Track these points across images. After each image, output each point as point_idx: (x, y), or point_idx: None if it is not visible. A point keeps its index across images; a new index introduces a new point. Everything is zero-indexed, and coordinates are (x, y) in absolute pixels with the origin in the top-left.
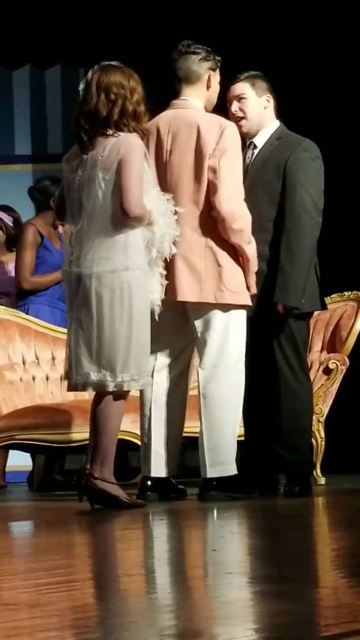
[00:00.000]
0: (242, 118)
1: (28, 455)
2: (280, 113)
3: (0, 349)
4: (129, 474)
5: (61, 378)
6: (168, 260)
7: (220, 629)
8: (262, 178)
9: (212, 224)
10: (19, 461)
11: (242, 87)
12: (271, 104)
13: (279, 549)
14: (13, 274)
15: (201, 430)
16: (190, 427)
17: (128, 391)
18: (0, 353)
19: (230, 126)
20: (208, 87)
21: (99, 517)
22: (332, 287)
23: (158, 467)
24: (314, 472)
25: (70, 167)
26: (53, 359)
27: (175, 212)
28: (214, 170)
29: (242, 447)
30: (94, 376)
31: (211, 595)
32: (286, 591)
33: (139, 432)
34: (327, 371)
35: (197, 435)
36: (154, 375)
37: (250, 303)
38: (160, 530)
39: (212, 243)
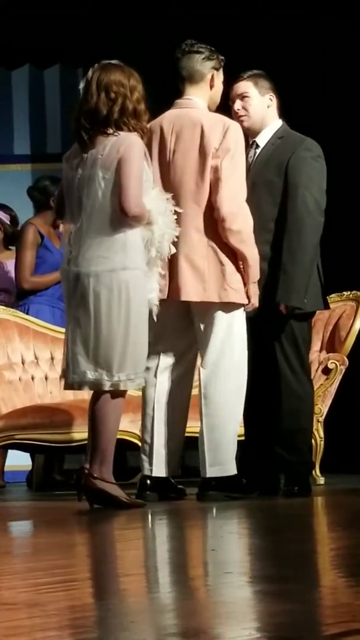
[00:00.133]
0: (245, 116)
1: (27, 455)
2: (282, 112)
3: None
4: (127, 474)
5: (60, 378)
6: (167, 260)
7: (220, 629)
8: (264, 177)
9: (214, 223)
10: (18, 461)
11: (245, 86)
12: (274, 102)
13: (278, 548)
14: (11, 271)
15: (201, 429)
16: (191, 426)
17: (125, 390)
18: None
19: (234, 126)
20: (211, 86)
21: (98, 516)
22: (331, 287)
23: (159, 466)
24: (313, 472)
25: (70, 166)
26: (52, 358)
27: (175, 212)
28: (216, 170)
29: (242, 447)
30: (90, 375)
31: (210, 595)
32: (285, 591)
33: (137, 432)
34: (326, 371)
35: (197, 435)
36: (157, 375)
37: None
38: (160, 530)
39: (214, 242)
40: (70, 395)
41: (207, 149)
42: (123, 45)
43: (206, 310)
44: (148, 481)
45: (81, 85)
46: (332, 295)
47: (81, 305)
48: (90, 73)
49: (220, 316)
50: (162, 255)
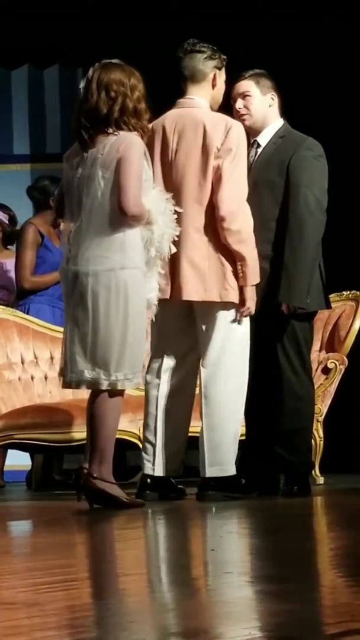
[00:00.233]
0: (246, 115)
1: (27, 454)
2: (283, 112)
3: None
4: (127, 473)
5: (58, 376)
6: (168, 260)
7: (220, 629)
8: (266, 177)
9: (216, 223)
10: (18, 461)
11: (246, 85)
12: (275, 102)
13: (278, 548)
14: (10, 271)
15: (202, 429)
16: (191, 426)
17: (123, 390)
18: None
19: (237, 125)
20: (214, 85)
21: (97, 516)
22: (331, 287)
23: (161, 466)
24: (313, 471)
25: (71, 165)
26: (51, 358)
27: (176, 212)
28: (217, 170)
29: (243, 447)
30: (87, 374)
31: (210, 594)
32: (285, 591)
33: (137, 432)
34: (326, 371)
35: (197, 434)
36: (160, 375)
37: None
38: (159, 529)
39: (215, 242)
40: (70, 395)
41: (209, 148)
42: (123, 45)
43: (207, 310)
44: (149, 480)
45: (81, 85)
46: (332, 295)
47: (80, 304)
48: (90, 72)
49: (221, 316)
50: (161, 255)
